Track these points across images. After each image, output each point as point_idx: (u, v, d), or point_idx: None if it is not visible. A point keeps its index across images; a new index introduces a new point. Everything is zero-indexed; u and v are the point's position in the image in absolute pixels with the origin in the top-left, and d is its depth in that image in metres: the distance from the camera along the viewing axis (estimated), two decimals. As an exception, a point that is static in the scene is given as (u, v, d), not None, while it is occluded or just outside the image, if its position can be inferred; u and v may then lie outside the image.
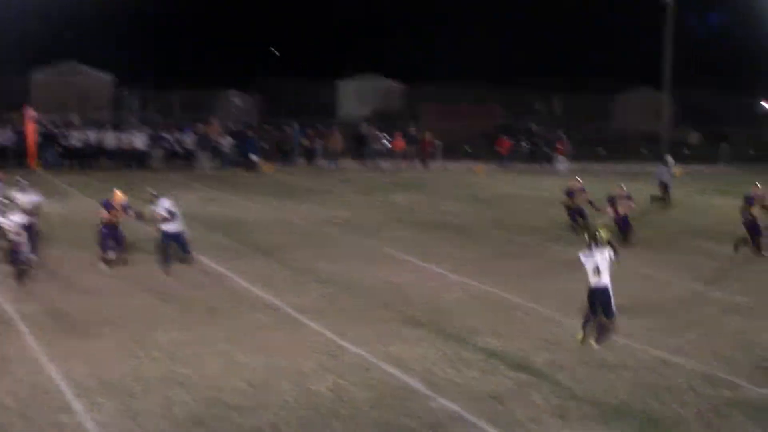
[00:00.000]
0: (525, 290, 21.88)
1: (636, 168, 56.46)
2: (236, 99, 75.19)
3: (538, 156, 61.35)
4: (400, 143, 58.01)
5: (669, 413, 13.95)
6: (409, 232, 30.70)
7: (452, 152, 59.81)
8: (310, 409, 13.64)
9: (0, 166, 36.65)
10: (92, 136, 49.78)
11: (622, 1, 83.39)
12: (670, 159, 41.08)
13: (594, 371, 15.88)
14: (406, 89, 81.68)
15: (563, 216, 31.45)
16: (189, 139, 51.58)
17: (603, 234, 17.68)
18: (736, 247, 27.62)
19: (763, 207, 28.50)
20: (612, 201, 29.01)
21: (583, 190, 31.01)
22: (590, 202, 30.69)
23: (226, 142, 52.05)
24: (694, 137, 74.79)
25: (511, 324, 18.93)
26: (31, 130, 47.77)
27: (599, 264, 17.25)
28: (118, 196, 23.31)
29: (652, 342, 17.68)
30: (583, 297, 18.19)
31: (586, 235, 17.94)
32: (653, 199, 39.07)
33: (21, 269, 21.19)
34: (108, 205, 23.06)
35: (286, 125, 57.74)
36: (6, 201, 24.42)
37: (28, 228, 22.09)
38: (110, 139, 49.96)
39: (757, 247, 27.51)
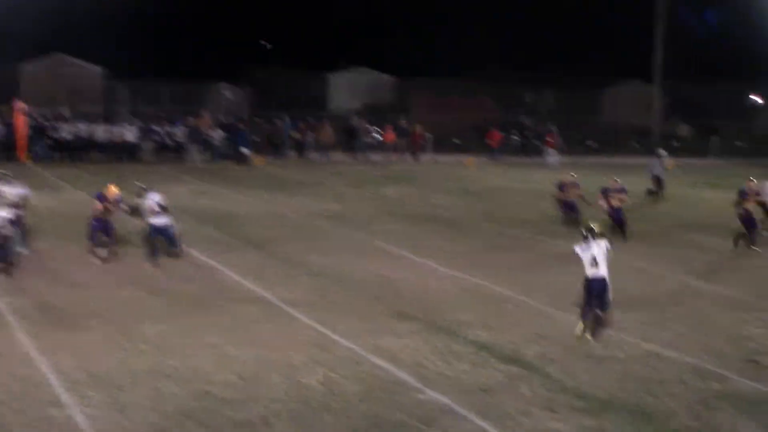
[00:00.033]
0: (515, 283, 21.90)
1: (626, 161, 56.58)
2: (227, 92, 75.13)
3: (529, 149, 61.36)
4: (391, 136, 57.98)
5: (659, 406, 13.98)
6: (400, 225, 30.69)
7: (443, 145, 59.78)
8: (300, 402, 13.64)
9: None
10: (82, 128, 49.64)
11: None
12: (662, 152, 41.05)
13: (584, 364, 15.91)
14: (396, 82, 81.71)
15: (554, 209, 31.46)
16: (180, 132, 51.47)
17: (596, 227, 17.73)
18: (735, 242, 27.59)
19: (757, 201, 28.52)
20: (605, 193, 28.91)
21: (575, 184, 30.91)
22: (582, 197, 30.61)
23: (217, 135, 51.94)
24: (684, 130, 74.88)
25: (502, 317, 18.94)
26: (21, 123, 47.62)
27: (596, 255, 17.27)
28: (112, 190, 23.24)
29: (643, 335, 17.71)
30: (574, 290, 18.22)
31: (581, 228, 17.92)
32: (649, 193, 39.06)
33: (9, 263, 21.15)
34: (101, 198, 22.98)
35: (277, 118, 57.68)
36: None
37: (16, 222, 22.04)
38: (101, 131, 49.83)
39: (751, 241, 27.56)
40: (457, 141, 62.15)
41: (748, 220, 27.68)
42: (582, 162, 53.17)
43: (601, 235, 17.71)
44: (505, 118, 67.14)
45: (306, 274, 22.53)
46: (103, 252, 22.78)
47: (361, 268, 23.31)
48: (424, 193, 39.85)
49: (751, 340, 17.85)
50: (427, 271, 23.39)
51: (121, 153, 49.05)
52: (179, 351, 15.83)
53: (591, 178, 35.55)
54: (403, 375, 14.99)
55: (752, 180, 29.28)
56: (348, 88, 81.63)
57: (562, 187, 30.84)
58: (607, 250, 17.47)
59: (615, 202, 28.57)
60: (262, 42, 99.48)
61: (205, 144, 51.41)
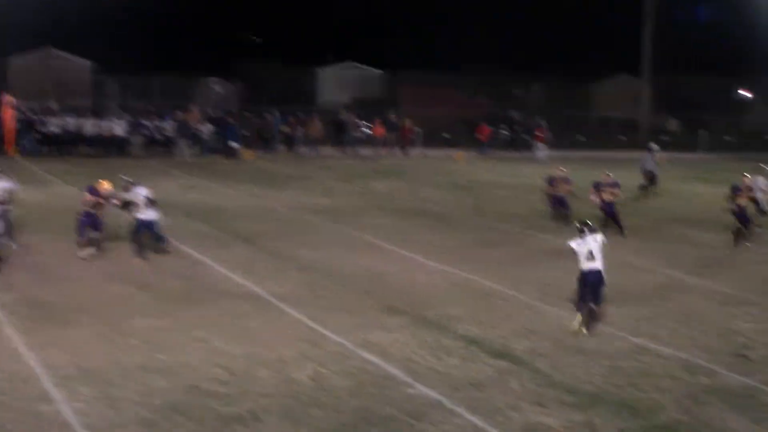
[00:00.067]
0: (505, 278, 21.92)
1: (615, 155, 56.64)
2: (216, 86, 74.96)
3: (518, 143, 61.38)
4: (380, 130, 57.97)
5: (648, 400, 14.01)
6: (390, 219, 30.70)
7: (432, 139, 59.77)
8: (290, 397, 13.64)
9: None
10: (71, 122, 49.53)
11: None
12: (654, 146, 41.00)
13: (573, 358, 15.93)
14: (385, 77, 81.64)
15: (543, 204, 31.43)
16: (169, 126, 51.38)
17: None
18: (736, 240, 27.60)
19: (749, 197, 28.53)
20: (598, 187, 28.77)
21: (566, 179, 30.71)
22: (571, 192, 30.50)
23: (206, 129, 51.87)
24: (673, 124, 74.96)
25: (491, 311, 18.96)
26: (9, 117, 47.49)
27: (593, 249, 17.29)
28: (104, 186, 23.05)
29: (632, 329, 17.75)
30: (564, 284, 18.27)
31: (576, 223, 17.89)
32: (641, 188, 39.05)
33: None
34: (93, 191, 22.73)
35: (267, 112, 57.61)
36: None
37: (2, 216, 21.96)
38: (89, 125, 49.72)
39: (747, 237, 27.63)
40: (446, 135, 62.16)
41: (741, 216, 27.70)
42: (571, 156, 53.24)
43: (596, 229, 17.75)
44: (495, 113, 67.10)
45: (295, 268, 22.53)
46: (89, 251, 22.58)
47: (350, 262, 23.32)
48: (413, 188, 39.87)
49: (740, 334, 17.89)
50: (416, 265, 23.40)
51: (110, 147, 48.95)
52: (169, 346, 15.81)
53: (580, 172, 35.57)
54: (393, 369, 14.99)
55: (746, 176, 29.22)
56: (337, 83, 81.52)
57: (551, 181, 30.74)
58: (603, 243, 17.52)
59: (607, 197, 28.46)
60: (252, 37, 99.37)
61: (194, 138, 51.34)
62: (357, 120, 59.02)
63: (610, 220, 27.97)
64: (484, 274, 22.27)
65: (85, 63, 71.16)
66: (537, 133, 58.84)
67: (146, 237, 22.97)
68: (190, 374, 14.41)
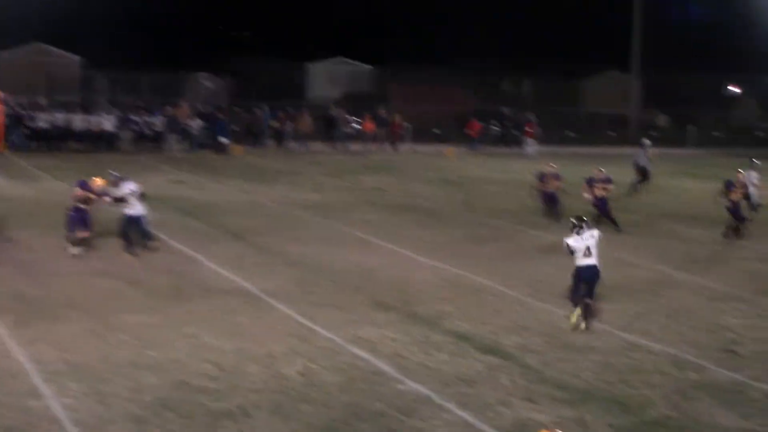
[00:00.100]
0: (496, 273, 21.93)
1: (605, 151, 56.76)
2: (206, 81, 74.92)
3: (508, 139, 61.37)
4: (370, 125, 57.93)
5: (637, 396, 14.03)
6: (380, 215, 30.70)
7: (422, 135, 59.75)
8: (279, 392, 13.63)
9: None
10: (60, 117, 49.42)
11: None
12: (646, 142, 40.93)
13: (563, 354, 15.95)
14: (375, 72, 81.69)
15: (533, 200, 31.33)
16: (158, 122, 51.28)
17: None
18: (737, 235, 27.65)
19: (743, 193, 28.51)
20: (590, 183, 28.66)
21: (556, 175, 30.52)
22: (561, 188, 30.39)
23: (196, 125, 51.79)
24: (662, 120, 75.09)
25: (482, 307, 18.96)
26: (-2, 112, 47.44)
27: (590, 245, 17.30)
28: (97, 182, 22.82)
29: (621, 325, 17.77)
30: (554, 280, 18.29)
31: (572, 219, 17.83)
32: (638, 185, 38.98)
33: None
34: (84, 186, 22.49)
35: (256, 107, 57.57)
36: None
37: None
38: (78, 121, 49.59)
39: (732, 229, 27.71)
40: (436, 131, 62.15)
41: (735, 212, 27.73)
42: (560, 152, 53.23)
43: (592, 225, 17.77)
44: (484, 108, 67.11)
45: (285, 264, 22.51)
46: (78, 249, 22.44)
47: (340, 258, 23.31)
48: (403, 183, 39.87)
49: (729, 330, 17.93)
50: (406, 261, 23.40)
51: (99, 142, 48.84)
52: (158, 342, 15.79)
53: (569, 168, 35.56)
54: (383, 365, 14.99)
55: (740, 172, 29.14)
56: (327, 78, 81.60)
57: (542, 177, 30.67)
58: (599, 239, 17.55)
59: (599, 192, 28.39)
60: (242, 32, 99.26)
61: (184, 133, 51.24)
62: (347, 115, 58.97)
63: (603, 215, 27.94)
64: (474, 269, 22.27)
65: (74, 58, 71.12)
66: (527, 128, 58.81)
67: (134, 233, 22.88)
68: (179, 370, 14.40)
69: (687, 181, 44.13)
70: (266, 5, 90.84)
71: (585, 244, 17.30)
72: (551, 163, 31.39)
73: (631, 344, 16.65)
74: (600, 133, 67.57)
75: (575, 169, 34.45)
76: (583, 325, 17.22)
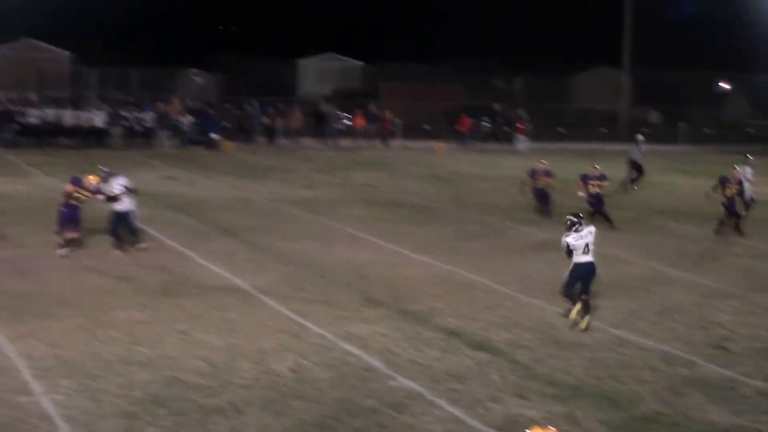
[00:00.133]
0: (486, 270, 21.93)
1: (596, 147, 56.80)
2: (197, 77, 74.84)
3: (499, 135, 61.37)
4: (361, 122, 57.91)
5: (627, 392, 14.05)
6: (370, 211, 30.70)
7: (413, 131, 59.74)
8: (271, 388, 13.62)
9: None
10: (50, 113, 49.31)
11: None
12: (640, 137, 40.94)
13: (553, 350, 15.96)
14: (366, 68, 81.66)
15: (525, 196, 31.19)
16: (149, 118, 51.20)
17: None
18: (738, 232, 27.68)
19: (738, 189, 28.49)
20: (585, 180, 28.57)
21: (547, 172, 30.40)
22: (550, 184, 30.31)
23: (187, 121, 51.72)
24: (653, 117, 75.16)
25: (472, 304, 18.96)
26: (-12, 108, 47.36)
27: (589, 242, 17.29)
28: (91, 179, 22.59)
29: (612, 321, 17.78)
30: (547, 277, 18.27)
31: (569, 217, 17.73)
32: (633, 182, 39.01)
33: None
34: (76, 182, 22.29)
35: (247, 104, 57.52)
36: None
37: None
38: (68, 117, 49.49)
39: (732, 227, 27.74)
40: (427, 127, 62.15)
41: (730, 208, 27.73)
42: (551, 148, 53.31)
43: (587, 222, 17.77)
44: (475, 105, 67.10)
45: (276, 260, 22.50)
46: (63, 251, 22.24)
47: (331, 254, 23.30)
48: (394, 180, 39.86)
49: (721, 326, 17.95)
50: (397, 257, 23.40)
51: (89, 138, 48.76)
52: (149, 338, 15.77)
53: (561, 164, 35.59)
54: (374, 362, 14.99)
55: (736, 168, 29.08)
56: (318, 74, 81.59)
57: (533, 174, 30.59)
58: (594, 233, 17.56)
59: (594, 189, 28.26)
60: (232, 28, 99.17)
61: (175, 129, 51.18)
62: (338, 111, 58.95)
63: (597, 213, 27.86)
64: (465, 266, 22.28)
65: (64, 54, 70.98)
66: (518, 125, 58.83)
67: (123, 228, 22.80)
68: (170, 366, 14.38)
69: (678, 177, 44.17)
70: (257, 1, 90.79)
71: (584, 241, 17.28)
72: (542, 160, 31.37)
73: (622, 340, 16.67)
74: (591, 129, 67.57)
75: (566, 166, 34.49)
76: (584, 324, 17.16)
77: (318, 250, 23.65)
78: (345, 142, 55.80)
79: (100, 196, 22.33)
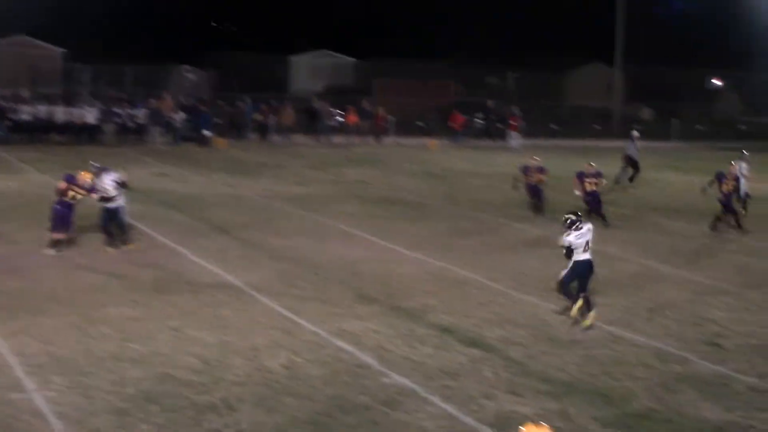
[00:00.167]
0: (480, 267, 21.92)
1: (589, 144, 56.87)
2: (189, 74, 74.79)
3: (492, 132, 61.36)
4: (354, 118, 57.90)
5: (620, 389, 14.05)
6: (363, 208, 30.68)
7: (405, 128, 59.74)
8: (263, 385, 13.60)
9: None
10: (42, 110, 49.23)
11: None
12: (635, 133, 40.92)
13: (546, 347, 15.96)
14: (358, 65, 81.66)
15: (518, 192, 31.09)
16: (141, 114, 51.12)
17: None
18: (739, 228, 27.65)
19: (734, 186, 28.44)
20: (581, 178, 28.41)
21: (540, 169, 30.23)
22: (543, 181, 30.18)
23: (179, 117, 51.65)
24: (646, 113, 75.25)
25: (465, 300, 18.96)
26: (-19, 105, 47.25)
27: (589, 240, 17.28)
28: (85, 177, 22.41)
29: (605, 318, 17.75)
30: (540, 274, 18.23)
31: (569, 215, 17.64)
32: (630, 179, 38.98)
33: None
34: (69, 179, 22.13)
35: (239, 100, 57.49)
36: None
37: None
38: (61, 113, 49.41)
39: (732, 224, 27.73)
40: (420, 124, 62.15)
41: (727, 204, 27.68)
42: (545, 145, 53.32)
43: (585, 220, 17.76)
44: (469, 101, 67.12)
45: (269, 257, 22.47)
46: (51, 251, 22.09)
47: (324, 251, 23.28)
48: (386, 176, 39.85)
49: (714, 323, 17.96)
50: (390, 254, 23.38)
51: (82, 135, 48.69)
52: (141, 335, 15.74)
53: (554, 161, 35.57)
54: (367, 358, 14.98)
55: (733, 164, 29.01)
56: (310, 71, 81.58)
57: (526, 170, 30.49)
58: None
59: (590, 187, 28.08)
60: (225, 24, 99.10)
61: (167, 126, 51.12)
62: (330, 108, 58.93)
63: (592, 211, 27.69)
64: (458, 262, 22.27)
65: (56, 50, 70.86)
66: (511, 121, 58.82)
67: (114, 225, 22.68)
68: (163, 363, 14.36)
69: (671, 174, 44.20)
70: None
71: (585, 239, 17.25)
72: (535, 157, 31.29)
73: (615, 337, 16.66)
74: (584, 126, 67.64)
75: (559, 163, 34.47)
76: (589, 320, 17.08)
77: (311, 247, 23.63)
78: (337, 139, 55.77)
79: (95, 195, 22.19)
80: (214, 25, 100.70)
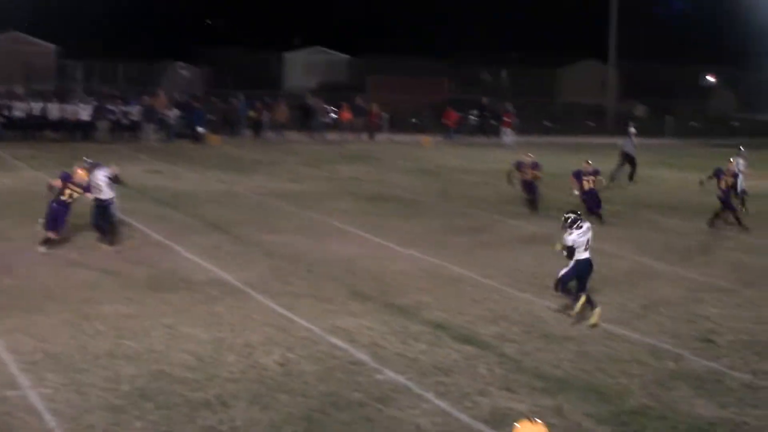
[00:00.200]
0: (473, 263, 21.93)
1: (583, 141, 56.88)
2: (183, 71, 74.73)
3: (486, 129, 61.35)
4: (347, 115, 57.88)
5: (615, 385, 14.06)
6: (357, 204, 30.68)
7: (399, 124, 59.74)
8: (257, 382, 13.60)
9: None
10: (36, 107, 49.17)
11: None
12: (632, 130, 40.90)
13: (540, 344, 15.97)
14: (352, 61, 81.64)
15: (511, 189, 31.07)
16: (135, 111, 51.07)
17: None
18: (740, 225, 27.61)
19: (732, 182, 28.42)
20: (578, 176, 28.31)
21: (534, 165, 30.11)
22: (537, 177, 30.13)
23: (173, 114, 51.61)
24: (640, 110, 75.29)
25: (459, 297, 18.96)
26: (-26, 101, 47.20)
27: (589, 238, 17.26)
28: (80, 174, 22.30)
29: (600, 315, 17.76)
30: (534, 271, 18.21)
31: (569, 215, 17.58)
32: (631, 177, 38.95)
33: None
34: (66, 177, 22.01)
35: (233, 97, 57.46)
36: None
37: None
38: (54, 110, 49.35)
39: (733, 220, 27.73)
40: (414, 120, 62.14)
41: (726, 201, 27.64)
42: (539, 142, 53.31)
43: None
44: (462, 98, 67.14)
45: (262, 254, 22.46)
46: (43, 248, 22.00)
47: (317, 248, 23.28)
48: (380, 173, 39.85)
49: (708, 320, 17.98)
50: (384, 251, 23.38)
51: (75, 132, 48.65)
52: (136, 332, 15.73)
53: (547, 158, 35.55)
54: (361, 355, 14.98)
55: (731, 160, 28.94)
56: (304, 67, 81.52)
57: (519, 166, 30.41)
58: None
59: (588, 185, 27.98)
60: (218, 20, 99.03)
61: (161, 123, 51.06)
62: (324, 105, 58.92)
63: (589, 209, 27.53)
64: (452, 259, 22.28)
65: (50, 47, 70.76)
66: (504, 118, 58.79)
67: (104, 220, 22.52)
68: (157, 360, 14.35)
69: (665, 171, 44.22)
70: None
71: (586, 237, 17.23)
72: (529, 153, 31.26)
73: (610, 334, 16.67)
74: (578, 123, 67.65)
75: (552, 160, 34.47)
76: (594, 319, 17.04)
77: (305, 244, 23.63)
78: (331, 136, 55.76)
79: (90, 195, 22.06)
80: (208, 22, 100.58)
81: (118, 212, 23.22)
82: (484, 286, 19.93)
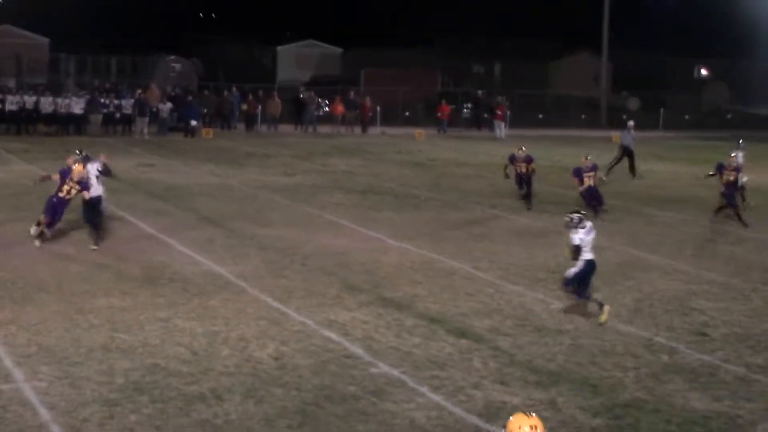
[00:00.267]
0: (467, 256, 21.94)
1: (575, 134, 56.89)
2: (176, 64, 74.67)
3: (479, 122, 61.38)
4: (340, 108, 57.88)
5: (608, 378, 14.07)
6: (350, 197, 30.67)
7: (392, 117, 59.75)
8: (252, 375, 13.60)
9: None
10: (29, 100, 49.11)
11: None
12: (631, 123, 40.88)
13: (534, 337, 15.98)
14: (345, 55, 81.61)
15: (504, 182, 31.04)
16: (127, 104, 51.01)
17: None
18: (741, 221, 27.54)
19: (734, 177, 28.38)
20: (579, 173, 28.22)
21: (527, 159, 30.06)
22: (532, 171, 30.06)
23: (165, 108, 51.58)
24: (633, 103, 75.35)
25: (452, 290, 18.97)
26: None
27: (593, 237, 17.22)
28: (79, 170, 22.19)
29: (593, 308, 17.77)
30: (528, 264, 18.17)
31: (574, 215, 17.48)
32: (632, 172, 38.90)
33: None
34: (66, 173, 21.92)
35: (226, 90, 57.43)
36: None
37: None
38: (47, 103, 49.27)
39: (731, 216, 27.70)
40: (407, 113, 62.15)
41: (729, 196, 27.53)
42: (531, 135, 53.33)
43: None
44: (455, 91, 67.19)
45: (256, 247, 22.45)
46: (38, 242, 21.91)
47: (311, 241, 23.26)
48: (373, 166, 39.85)
49: (701, 313, 17.99)
50: (377, 244, 23.38)
51: (68, 125, 48.60)
52: (130, 325, 15.73)
53: (540, 151, 35.59)
54: (355, 348, 14.98)
55: (733, 155, 28.86)
56: (297, 61, 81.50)
57: (512, 159, 30.37)
58: None
59: (587, 181, 27.84)
60: (211, 14, 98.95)
61: (154, 116, 51.02)
62: (317, 98, 58.92)
63: (588, 205, 27.35)
64: (445, 252, 22.29)
65: (43, 40, 70.66)
66: (497, 111, 58.81)
67: (94, 214, 22.41)
68: (151, 353, 14.34)
69: (659, 164, 44.22)
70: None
71: (592, 236, 17.18)
72: (522, 147, 31.20)
73: (603, 327, 16.67)
74: (571, 116, 67.69)
75: (544, 152, 34.45)
76: (604, 317, 16.94)
77: (298, 237, 23.62)
78: (324, 129, 55.76)
79: (87, 194, 21.90)
80: (201, 15, 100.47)
81: (105, 209, 23.12)
82: (477, 279, 19.93)
